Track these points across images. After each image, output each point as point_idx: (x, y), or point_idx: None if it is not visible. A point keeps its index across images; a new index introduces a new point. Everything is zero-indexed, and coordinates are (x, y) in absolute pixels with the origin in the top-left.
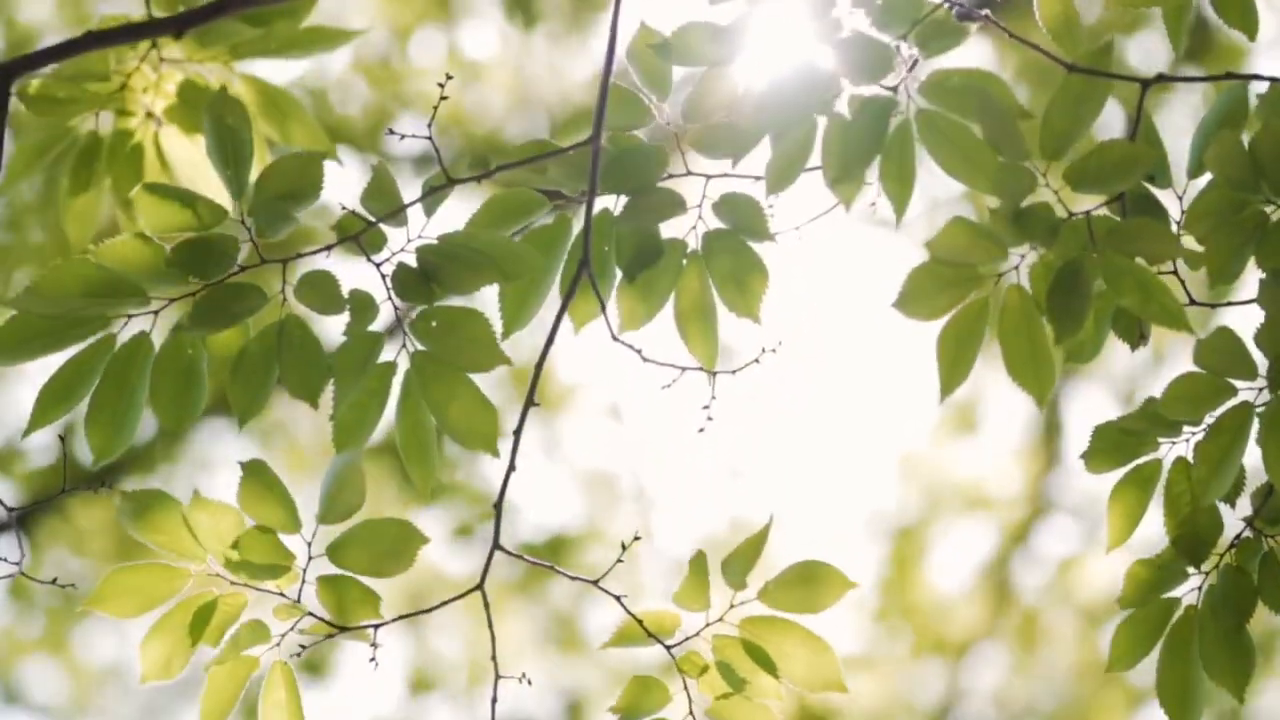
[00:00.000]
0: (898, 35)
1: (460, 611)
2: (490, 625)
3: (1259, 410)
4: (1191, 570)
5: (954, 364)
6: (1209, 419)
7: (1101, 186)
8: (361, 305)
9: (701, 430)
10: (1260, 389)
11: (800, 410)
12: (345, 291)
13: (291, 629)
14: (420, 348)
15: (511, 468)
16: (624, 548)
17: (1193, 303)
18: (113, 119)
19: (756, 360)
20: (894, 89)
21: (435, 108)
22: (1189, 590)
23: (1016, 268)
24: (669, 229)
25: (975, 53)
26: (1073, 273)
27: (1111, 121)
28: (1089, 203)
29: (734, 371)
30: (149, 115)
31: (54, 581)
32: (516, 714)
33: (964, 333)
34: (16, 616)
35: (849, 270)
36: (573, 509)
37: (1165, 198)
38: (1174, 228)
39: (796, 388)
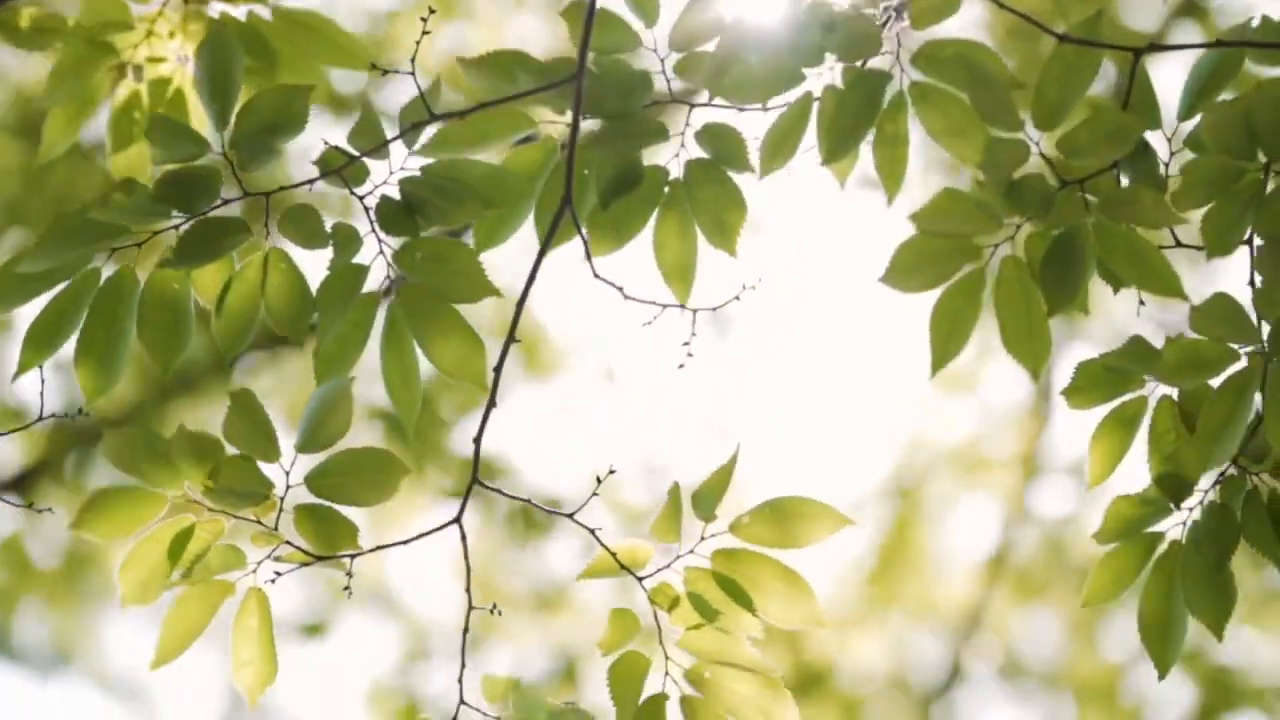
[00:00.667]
0: (890, 6)
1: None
2: (466, 557)
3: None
4: (1173, 508)
5: (947, 339)
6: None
7: (1095, 156)
8: (345, 239)
9: (681, 366)
10: (1260, 353)
11: (797, 369)
12: (328, 225)
13: (268, 557)
14: (406, 280)
15: (491, 404)
16: (599, 481)
17: (1179, 244)
18: (144, 68)
19: (737, 297)
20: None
21: (417, 43)
22: (1173, 525)
23: (1012, 238)
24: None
25: (966, 16)
26: (1067, 242)
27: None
28: (1084, 170)
29: (714, 308)
30: (182, 60)
31: (30, 505)
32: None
33: (958, 306)
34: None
35: (841, 227)
36: (573, 473)
37: (1154, 137)
38: (1162, 169)
39: (791, 344)
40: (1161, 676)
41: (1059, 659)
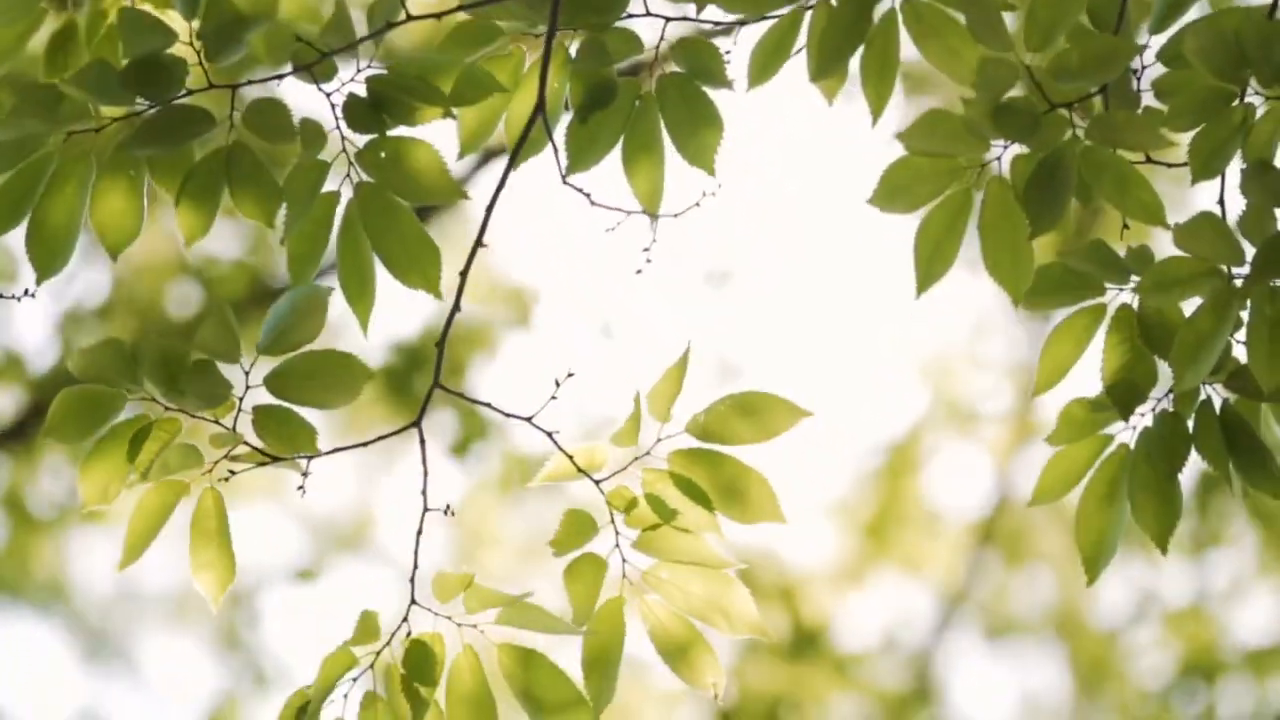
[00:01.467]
0: None
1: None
2: (424, 462)
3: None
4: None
5: (931, 259)
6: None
7: (1084, 79)
8: (311, 134)
9: (639, 272)
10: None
11: (793, 317)
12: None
13: (225, 456)
14: (366, 179)
15: (456, 308)
16: (557, 384)
17: (1149, 160)
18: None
19: (697, 204)
20: None
21: None
22: (1123, 430)
23: (999, 159)
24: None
25: None
26: (1052, 165)
27: None
28: (1072, 94)
29: (676, 215)
30: None
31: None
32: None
33: (943, 226)
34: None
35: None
36: (566, 418)
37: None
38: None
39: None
40: (1090, 582)
41: (1051, 615)
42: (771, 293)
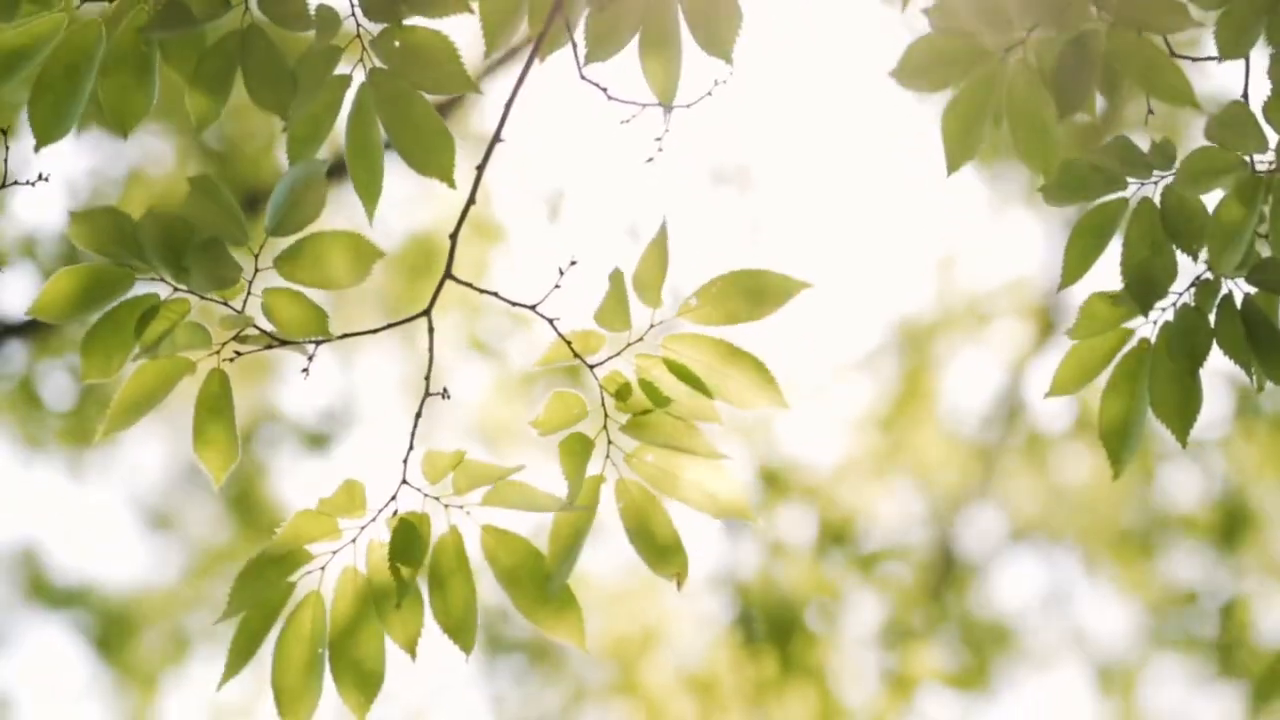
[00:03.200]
0: None
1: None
2: (430, 348)
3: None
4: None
5: (960, 138)
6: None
7: None
8: (326, 20)
9: (650, 160)
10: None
11: (808, 208)
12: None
13: (233, 337)
14: (380, 66)
15: (471, 201)
16: (561, 273)
17: (1173, 55)
18: None
19: (709, 93)
20: None
21: None
22: (1144, 324)
23: (1023, 42)
24: None
25: None
26: (1079, 47)
27: None
28: None
29: (689, 105)
30: None
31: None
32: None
33: (970, 107)
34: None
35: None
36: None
37: None
38: None
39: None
40: (1116, 476)
41: (1072, 517)
42: (791, 186)
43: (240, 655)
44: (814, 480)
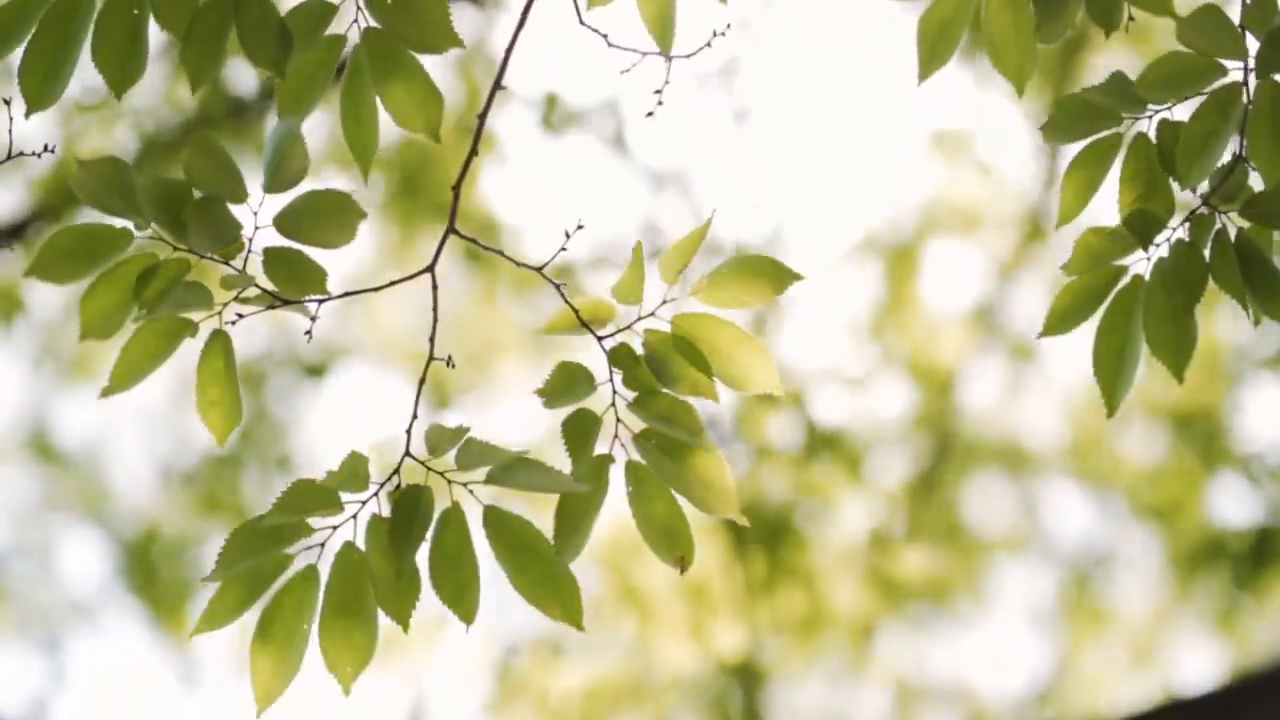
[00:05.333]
0: None
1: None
2: (435, 307)
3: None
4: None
5: (935, 45)
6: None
7: None
8: None
9: (650, 114)
10: (1249, 71)
11: (793, 121)
12: None
13: (234, 297)
14: (373, 25)
15: (473, 153)
16: (568, 236)
17: None
18: None
19: (708, 44)
20: None
21: None
22: (1139, 259)
23: None
24: None
25: None
26: None
27: None
28: None
29: (689, 55)
30: None
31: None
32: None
33: (947, 14)
34: None
35: None
36: (580, 239)
37: None
38: None
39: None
40: (1111, 414)
41: (1051, 430)
42: (778, 80)
43: (216, 617)
44: (800, 383)
